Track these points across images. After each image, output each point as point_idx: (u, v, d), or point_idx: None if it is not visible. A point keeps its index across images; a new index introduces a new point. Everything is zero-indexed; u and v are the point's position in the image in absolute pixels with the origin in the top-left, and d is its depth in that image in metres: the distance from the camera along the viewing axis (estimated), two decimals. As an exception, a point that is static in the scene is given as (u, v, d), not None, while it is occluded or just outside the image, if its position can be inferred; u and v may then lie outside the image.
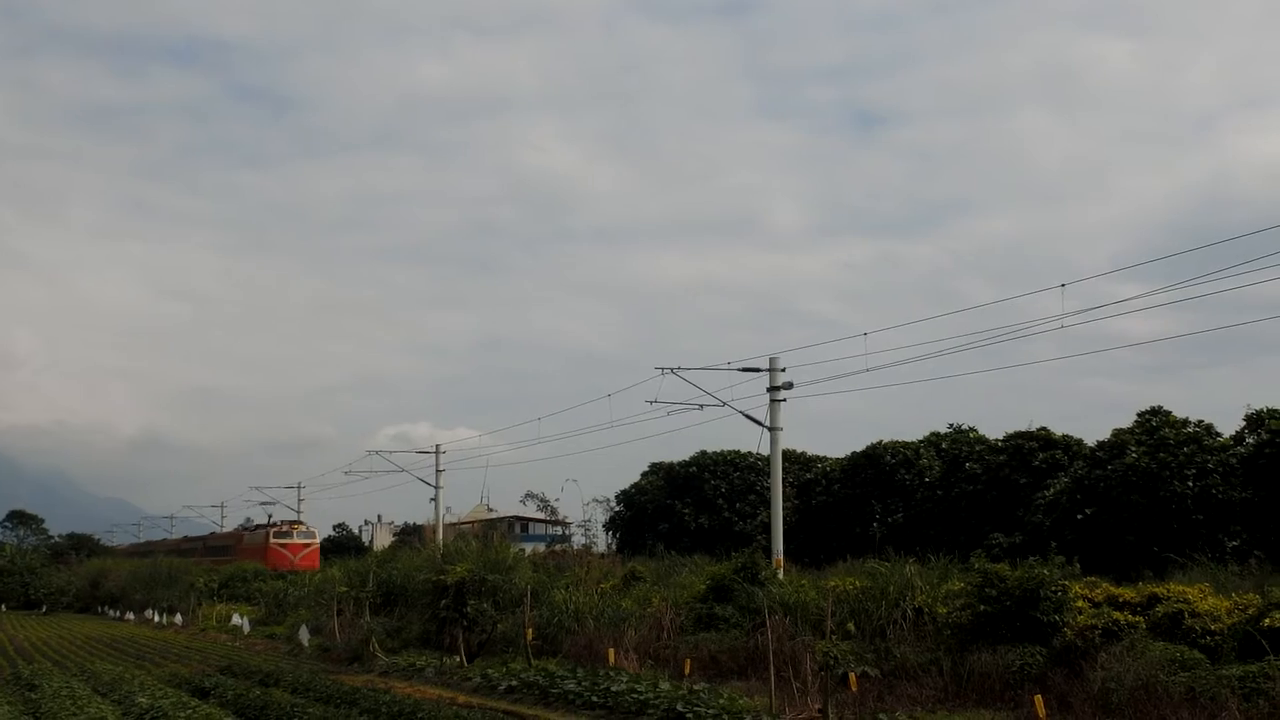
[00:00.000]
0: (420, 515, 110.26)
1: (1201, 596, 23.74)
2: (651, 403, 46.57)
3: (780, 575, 36.82)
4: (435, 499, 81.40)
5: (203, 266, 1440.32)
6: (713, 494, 75.42)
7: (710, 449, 78.16)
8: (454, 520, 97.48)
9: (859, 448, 69.22)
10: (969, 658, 23.85)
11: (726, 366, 44.69)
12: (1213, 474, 47.63)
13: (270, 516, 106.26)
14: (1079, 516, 50.22)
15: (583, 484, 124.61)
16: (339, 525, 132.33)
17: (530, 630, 32.17)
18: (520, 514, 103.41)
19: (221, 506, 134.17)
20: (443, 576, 36.58)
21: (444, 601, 35.92)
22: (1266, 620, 21.36)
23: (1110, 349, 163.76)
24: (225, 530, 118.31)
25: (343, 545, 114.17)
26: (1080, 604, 24.64)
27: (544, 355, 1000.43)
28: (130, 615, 76.45)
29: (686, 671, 26.25)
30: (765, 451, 45.41)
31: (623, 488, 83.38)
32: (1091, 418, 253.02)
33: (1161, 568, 36.51)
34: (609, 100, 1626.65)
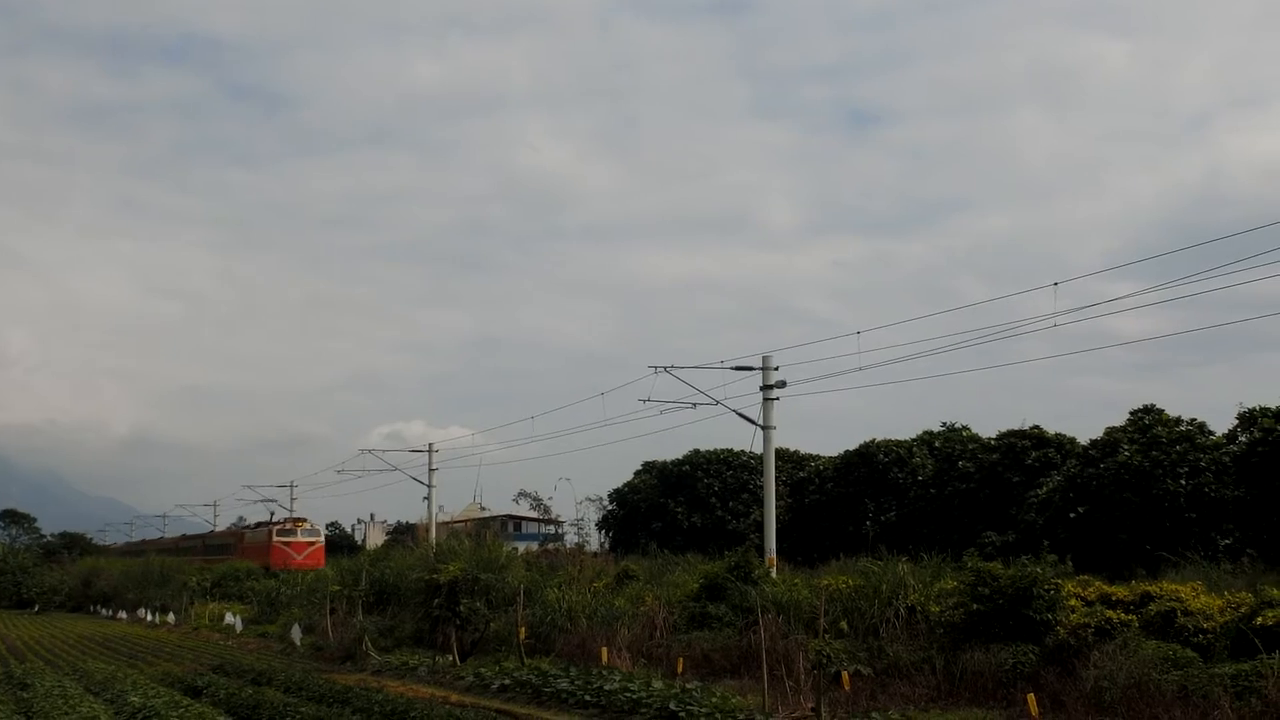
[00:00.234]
0: (413, 514, 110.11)
1: (1194, 595, 23.75)
2: (644, 401, 46.58)
3: (773, 574, 36.84)
4: (428, 498, 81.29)
5: (195, 265, 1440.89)
6: (706, 493, 75.40)
7: (703, 448, 78.20)
8: (447, 519, 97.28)
9: (852, 446, 69.26)
10: (962, 656, 23.85)
11: (720, 365, 44.71)
12: (1205, 472, 47.67)
13: (272, 514, 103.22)
14: (1072, 515, 50.25)
15: (576, 483, 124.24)
16: (332, 524, 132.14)
17: (523, 629, 32.15)
18: (513, 513, 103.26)
19: (214, 505, 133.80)
20: (435, 575, 36.53)
21: (437, 600, 35.87)
22: (1259, 619, 21.39)
23: (1103, 347, 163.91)
24: (224, 528, 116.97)
25: (335, 544, 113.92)
26: (1073, 602, 24.65)
27: (537, 354, 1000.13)
28: (123, 614, 76.40)
29: (679, 670, 26.24)
30: (758, 450, 45.45)
31: (616, 486, 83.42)
32: (1084, 416, 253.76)
33: (1154, 566, 36.54)
34: (602, 98, 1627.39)
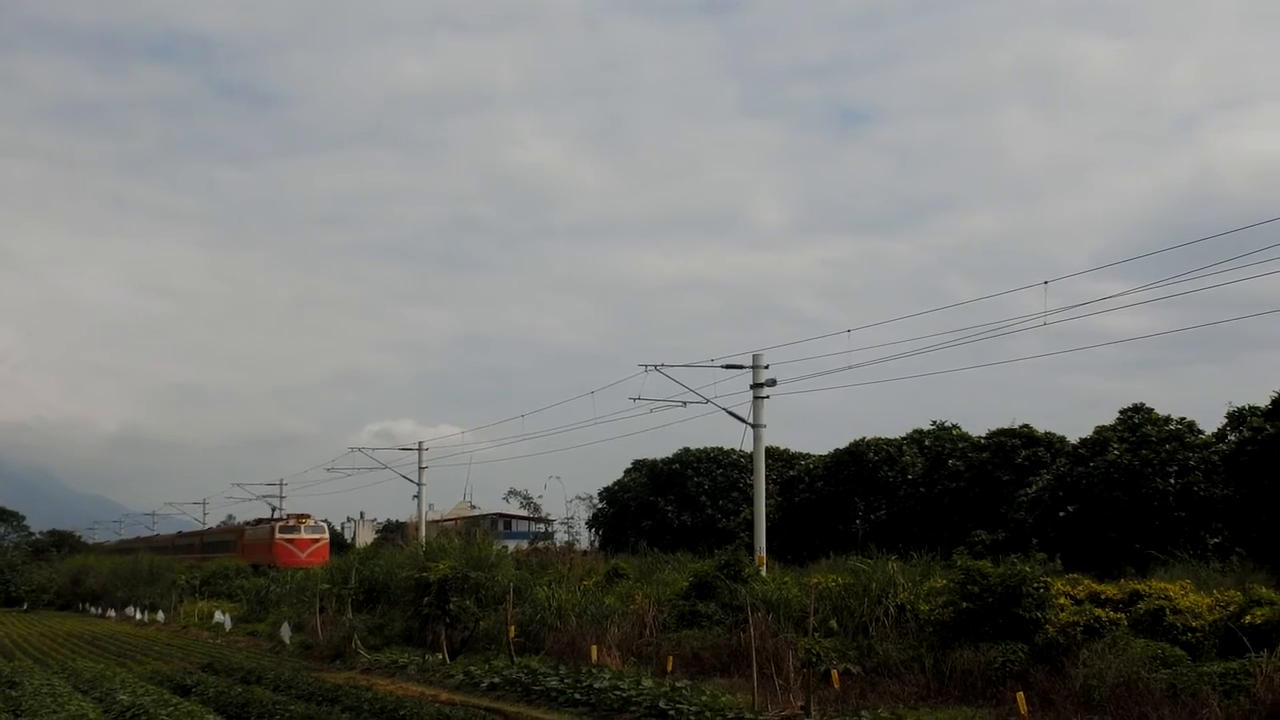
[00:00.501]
0: (403, 512, 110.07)
1: (1183, 593, 23.77)
2: (635, 400, 46.60)
3: (763, 572, 36.86)
4: (418, 496, 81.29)
5: (184, 262, 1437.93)
6: (696, 491, 75.41)
7: (693, 446, 78.17)
8: (437, 517, 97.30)
9: (842, 445, 69.28)
10: (951, 655, 23.86)
11: (709, 364, 44.72)
12: (1194, 471, 47.77)
13: (274, 510, 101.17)
14: (1061, 514, 50.34)
15: (566, 481, 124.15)
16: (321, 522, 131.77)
17: (513, 627, 32.15)
18: (503, 511, 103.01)
19: (204, 503, 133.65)
20: (425, 574, 36.52)
21: (426, 599, 35.86)
22: (1247, 617, 21.43)
23: (1093, 346, 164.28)
24: (224, 525, 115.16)
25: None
26: (1062, 601, 24.67)
27: (527, 352, 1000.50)
28: (112, 612, 76.23)
29: (669, 668, 26.25)
30: (748, 448, 45.48)
31: (606, 485, 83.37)
32: (1074, 415, 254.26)
33: (1143, 565, 36.62)
34: (591, 97, 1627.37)
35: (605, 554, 63.76)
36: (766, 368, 43.82)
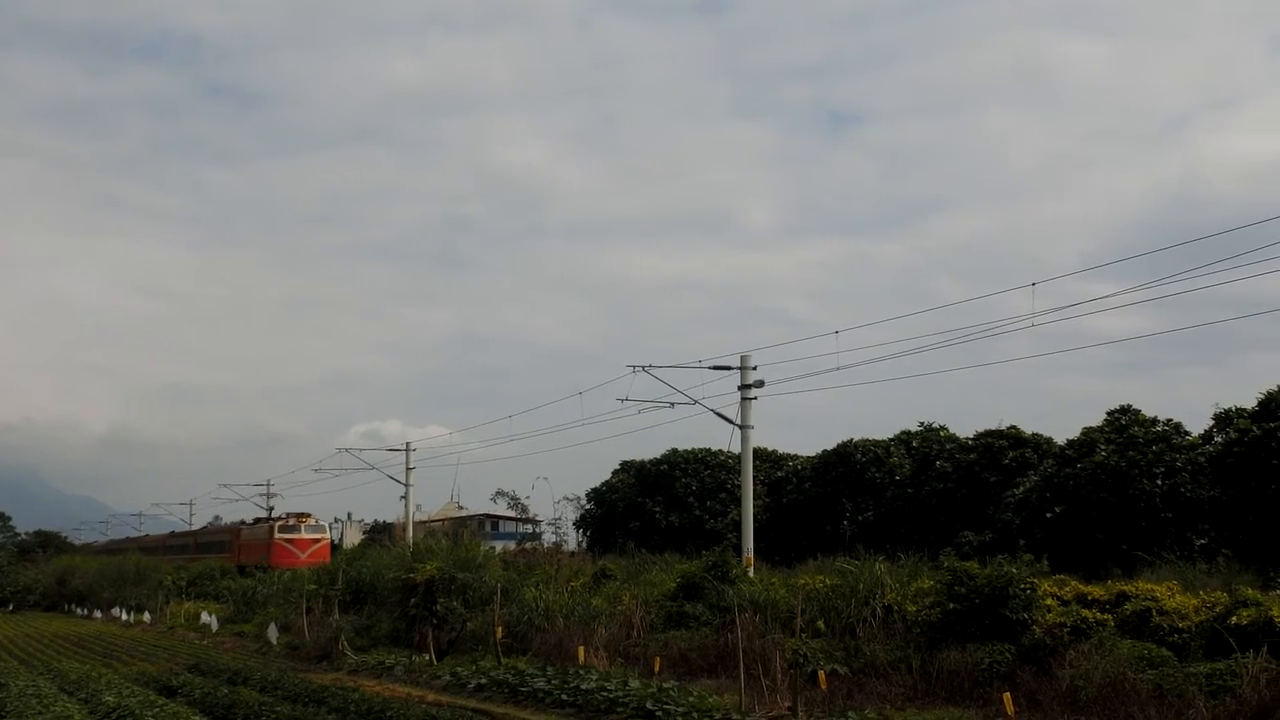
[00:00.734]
0: (390, 513, 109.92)
1: (1169, 594, 23.82)
2: (623, 401, 46.63)
3: (750, 573, 36.86)
4: (405, 497, 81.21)
5: (174, 263, 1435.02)
6: (683, 492, 75.48)
7: (681, 447, 78.32)
8: (424, 518, 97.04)
9: (830, 446, 69.41)
10: (938, 655, 23.86)
11: (698, 364, 44.74)
12: (1181, 472, 47.91)
13: (272, 509, 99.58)
14: (1048, 515, 50.45)
15: (553, 482, 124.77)
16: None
17: (500, 628, 32.10)
18: (491, 512, 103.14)
19: (190, 504, 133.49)
20: (412, 574, 36.46)
21: (413, 600, 35.79)
22: (1234, 618, 21.45)
23: (1081, 347, 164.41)
24: (221, 525, 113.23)
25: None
26: (1049, 602, 24.69)
27: (516, 352, 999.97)
28: (98, 613, 76.01)
29: (656, 669, 26.22)
30: (736, 449, 45.49)
31: (594, 486, 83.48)
32: (1061, 416, 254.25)
33: (1130, 566, 36.69)
34: (582, 97, 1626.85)
35: (593, 555, 63.79)
36: (754, 369, 43.84)
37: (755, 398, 43.79)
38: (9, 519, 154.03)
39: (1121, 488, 48.05)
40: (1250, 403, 47.01)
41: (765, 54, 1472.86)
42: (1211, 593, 23.78)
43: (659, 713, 21.22)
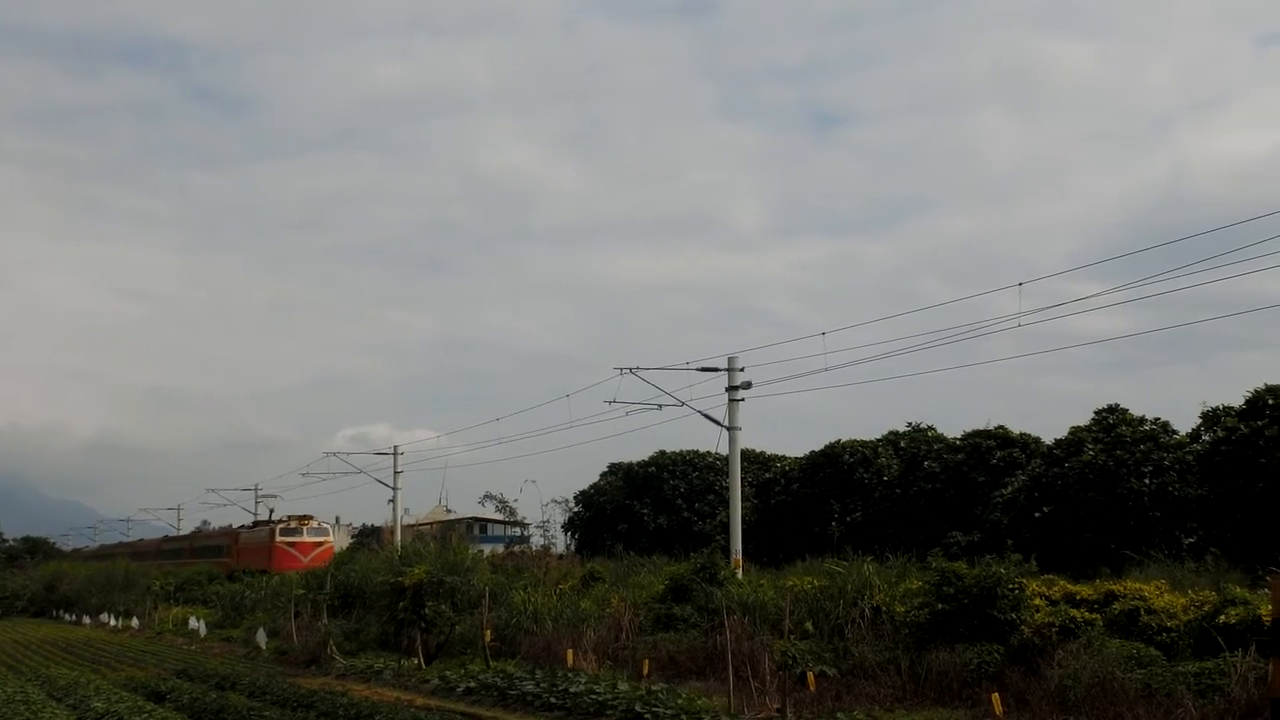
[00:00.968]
0: (378, 517, 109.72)
1: (1158, 593, 23.85)
2: (610, 403, 46.56)
3: (739, 575, 36.88)
4: (393, 500, 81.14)
5: (159, 267, 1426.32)
6: (671, 494, 75.39)
7: (669, 449, 78.14)
8: (412, 522, 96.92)
9: (817, 447, 69.26)
10: (927, 656, 23.89)
11: (685, 366, 44.69)
12: (1169, 471, 47.93)
13: (272, 511, 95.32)
14: (1036, 514, 50.44)
15: (541, 485, 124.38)
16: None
17: (488, 632, 32.08)
18: (479, 515, 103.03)
19: (178, 509, 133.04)
20: (400, 578, 36.43)
21: (402, 603, 35.76)
22: (1222, 617, 21.49)
23: (1068, 347, 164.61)
24: (218, 528, 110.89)
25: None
26: (1037, 602, 24.72)
27: (502, 355, 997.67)
28: (86, 619, 75.80)
29: (645, 672, 26.21)
30: (724, 451, 45.50)
31: (581, 488, 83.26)
32: (1049, 415, 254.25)
33: (1118, 565, 36.69)
34: (567, 100, 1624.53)
35: (581, 557, 63.74)
36: (742, 370, 43.85)
37: (743, 399, 43.80)
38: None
39: (1109, 487, 48.07)
40: (1237, 401, 47.11)
41: (748, 56, 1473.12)
42: (1200, 591, 23.80)
43: (648, 715, 21.22)
